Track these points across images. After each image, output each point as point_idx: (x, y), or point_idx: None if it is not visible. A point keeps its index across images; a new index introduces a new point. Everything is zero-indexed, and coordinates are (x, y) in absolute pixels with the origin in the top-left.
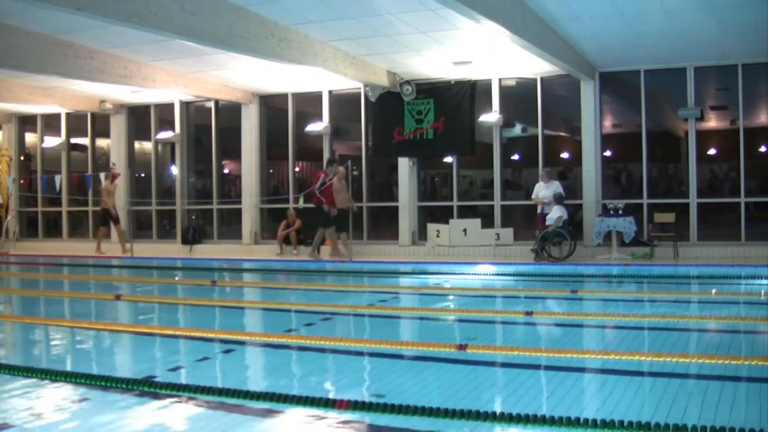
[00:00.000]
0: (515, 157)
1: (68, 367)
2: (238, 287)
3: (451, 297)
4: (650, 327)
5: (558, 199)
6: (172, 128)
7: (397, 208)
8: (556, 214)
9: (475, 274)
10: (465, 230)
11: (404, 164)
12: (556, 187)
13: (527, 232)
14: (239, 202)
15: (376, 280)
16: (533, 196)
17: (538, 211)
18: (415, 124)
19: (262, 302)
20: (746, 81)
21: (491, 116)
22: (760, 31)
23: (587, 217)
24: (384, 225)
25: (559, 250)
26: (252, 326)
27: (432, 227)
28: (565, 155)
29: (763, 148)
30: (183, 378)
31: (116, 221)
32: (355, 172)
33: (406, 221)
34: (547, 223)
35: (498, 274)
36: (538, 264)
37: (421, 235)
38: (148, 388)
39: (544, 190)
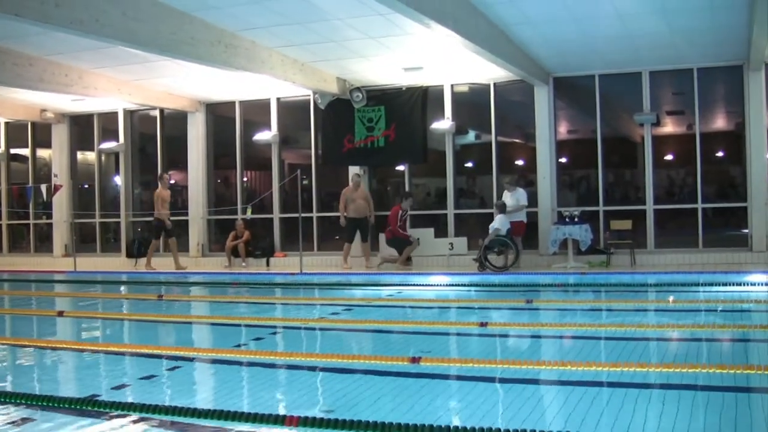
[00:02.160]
0: (469, 164)
1: (8, 387)
2: (185, 301)
3: (404, 309)
4: (608, 336)
5: (501, 208)
6: (116, 138)
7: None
8: (496, 224)
9: (429, 285)
10: (418, 240)
11: (356, 171)
12: (520, 195)
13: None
14: (186, 214)
15: (327, 293)
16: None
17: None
18: (366, 132)
19: (210, 316)
20: (702, 85)
21: (444, 123)
22: (713, 36)
23: (542, 225)
24: (335, 235)
25: (504, 260)
26: (200, 342)
27: (382, 237)
28: (519, 162)
29: (720, 153)
30: (128, 396)
31: (170, 233)
32: (305, 182)
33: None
34: (491, 231)
35: (452, 285)
36: (484, 274)
37: (373, 246)
38: (91, 407)
39: (509, 199)
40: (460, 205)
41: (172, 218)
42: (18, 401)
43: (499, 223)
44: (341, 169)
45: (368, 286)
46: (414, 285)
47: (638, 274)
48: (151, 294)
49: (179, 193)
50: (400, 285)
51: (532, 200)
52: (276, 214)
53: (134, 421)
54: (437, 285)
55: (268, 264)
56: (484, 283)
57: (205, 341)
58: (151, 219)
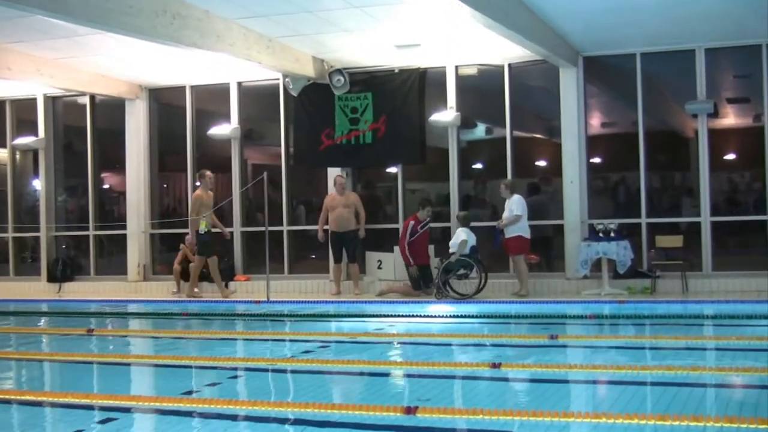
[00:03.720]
0: (477, 165)
1: None
2: (122, 337)
3: (397, 345)
4: (653, 382)
5: (463, 221)
6: (35, 131)
7: (325, 232)
8: (459, 238)
9: (428, 315)
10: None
11: (334, 174)
12: (513, 203)
13: (496, 261)
14: (124, 227)
15: (300, 326)
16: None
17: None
18: (349, 125)
19: (154, 356)
20: None
21: (446, 114)
22: None
23: (570, 242)
24: (310, 254)
25: (478, 284)
26: (141, 387)
27: (372, 256)
28: (541, 162)
29: None
30: None
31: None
32: (274, 188)
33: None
34: (451, 250)
35: (457, 316)
36: (456, 301)
37: (360, 267)
38: None
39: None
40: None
41: (105, 233)
42: None
43: (467, 235)
44: (319, 172)
45: (352, 317)
46: (410, 316)
47: (691, 303)
48: (78, 328)
49: (115, 201)
50: (391, 316)
51: (557, 210)
52: (237, 228)
53: None
54: (439, 315)
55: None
56: (497, 313)
57: (148, 387)
58: (79, 234)
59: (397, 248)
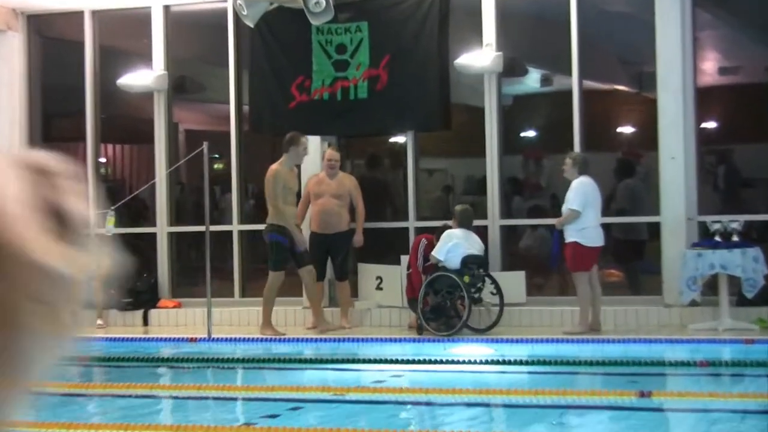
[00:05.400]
0: (528, 133)
1: None
2: None
3: (405, 407)
4: None
5: (460, 217)
6: None
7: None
8: (445, 242)
9: (453, 360)
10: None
11: (314, 147)
12: (573, 190)
13: (556, 278)
14: None
15: (258, 376)
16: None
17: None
18: (334, 72)
19: (36, 425)
20: None
21: (481, 56)
22: None
23: (669, 249)
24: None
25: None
26: None
27: (368, 270)
28: (625, 129)
29: None
30: None
31: (301, 259)
32: (218, 165)
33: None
34: (437, 257)
35: (495, 360)
36: (450, 340)
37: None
38: None
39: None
40: (512, 208)
41: None
42: None
43: (452, 246)
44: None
45: (339, 363)
46: (422, 361)
47: None
48: None
49: None
50: (396, 361)
51: (653, 202)
52: (162, 228)
53: None
54: (468, 360)
55: (145, 321)
56: (556, 358)
57: None
58: None
59: (405, 259)
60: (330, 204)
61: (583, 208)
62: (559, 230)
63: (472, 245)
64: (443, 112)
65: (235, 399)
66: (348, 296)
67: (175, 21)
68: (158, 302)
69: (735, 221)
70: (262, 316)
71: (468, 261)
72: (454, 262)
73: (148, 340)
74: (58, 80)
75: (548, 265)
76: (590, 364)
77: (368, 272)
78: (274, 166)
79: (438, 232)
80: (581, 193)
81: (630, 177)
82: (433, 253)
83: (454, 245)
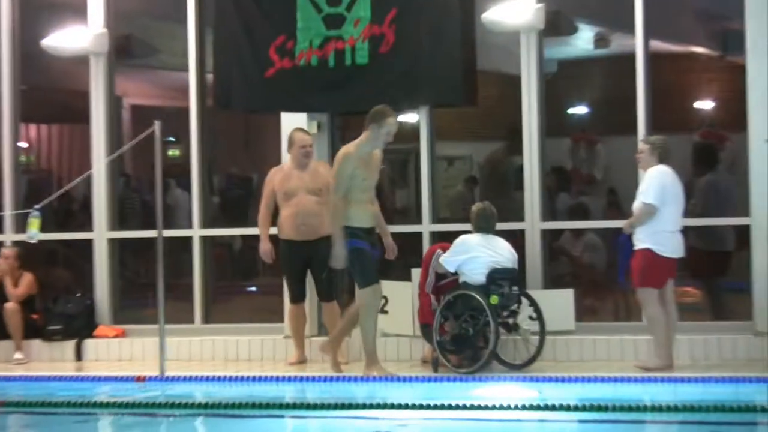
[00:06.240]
0: (578, 109)
1: None
2: None
3: None
4: None
5: (478, 219)
6: None
7: (273, 238)
8: (458, 252)
9: (480, 406)
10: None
11: (288, 129)
12: (648, 180)
13: (615, 298)
14: None
15: (223, 427)
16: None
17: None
18: (325, 30)
19: None
20: None
21: (516, 8)
22: None
23: (762, 261)
24: (246, 284)
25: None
26: None
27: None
28: (704, 104)
29: None
30: None
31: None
32: (174, 151)
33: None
34: (445, 267)
35: (538, 407)
36: (458, 378)
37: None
38: None
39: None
40: (556, 208)
41: None
42: None
43: (467, 259)
44: (264, 121)
45: (328, 409)
46: (444, 407)
47: None
48: None
49: None
50: (407, 407)
51: (741, 199)
52: (101, 233)
53: None
54: (499, 405)
55: (78, 355)
56: (614, 402)
57: None
58: None
59: (417, 272)
60: (307, 203)
61: (660, 204)
62: (627, 234)
63: (498, 254)
64: (466, 83)
65: None
66: (335, 320)
67: None
68: (95, 330)
69: None
70: (365, 353)
71: (495, 276)
72: (478, 277)
73: (82, 379)
74: None
75: (610, 281)
76: (659, 410)
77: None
78: (346, 148)
79: None
80: (659, 185)
81: (710, 166)
82: (440, 259)
83: (471, 258)
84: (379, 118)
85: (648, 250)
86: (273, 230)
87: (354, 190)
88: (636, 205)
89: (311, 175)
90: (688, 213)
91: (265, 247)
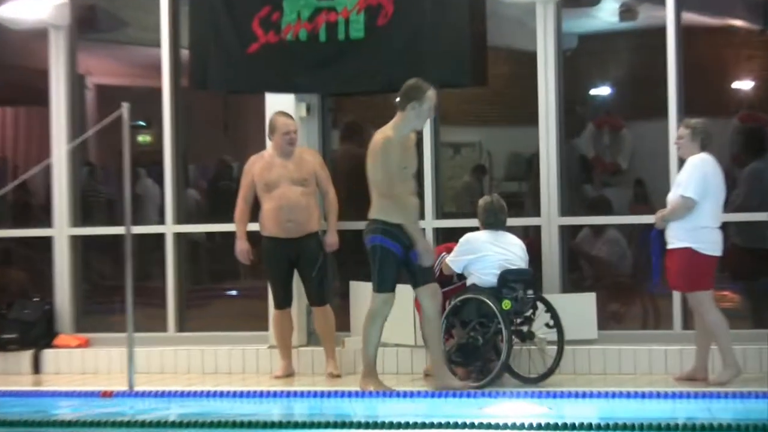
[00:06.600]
0: (600, 90)
1: None
2: None
3: None
4: None
5: (485, 213)
6: None
7: (256, 236)
8: (463, 252)
9: (490, 425)
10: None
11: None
12: (687, 170)
13: (643, 302)
14: None
15: None
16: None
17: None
18: (315, 0)
19: None
20: None
21: None
22: None
23: None
24: (226, 287)
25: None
26: None
27: (364, 291)
28: (743, 84)
29: None
30: None
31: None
32: (145, 137)
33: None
34: (452, 268)
35: (555, 426)
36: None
37: (342, 311)
38: None
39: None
40: (577, 201)
41: None
42: None
43: (474, 259)
44: (247, 104)
45: (319, 428)
46: (450, 425)
47: None
48: None
49: None
50: (408, 426)
51: None
52: (61, 230)
53: None
54: (512, 424)
55: (36, 367)
56: (641, 420)
57: None
58: None
59: None
60: (291, 195)
61: (701, 198)
62: (659, 229)
63: (509, 252)
64: (475, 60)
65: None
66: (332, 329)
67: None
68: (55, 339)
69: None
70: (363, 362)
71: (508, 277)
72: (488, 278)
73: (41, 394)
74: None
75: (637, 283)
76: (692, 429)
77: (364, 294)
78: (383, 132)
79: None
80: (700, 176)
81: (756, 154)
82: (447, 260)
83: (479, 258)
84: (419, 94)
85: (689, 249)
86: (255, 226)
87: (400, 179)
88: (673, 198)
89: (296, 163)
90: (728, 206)
91: (241, 246)
